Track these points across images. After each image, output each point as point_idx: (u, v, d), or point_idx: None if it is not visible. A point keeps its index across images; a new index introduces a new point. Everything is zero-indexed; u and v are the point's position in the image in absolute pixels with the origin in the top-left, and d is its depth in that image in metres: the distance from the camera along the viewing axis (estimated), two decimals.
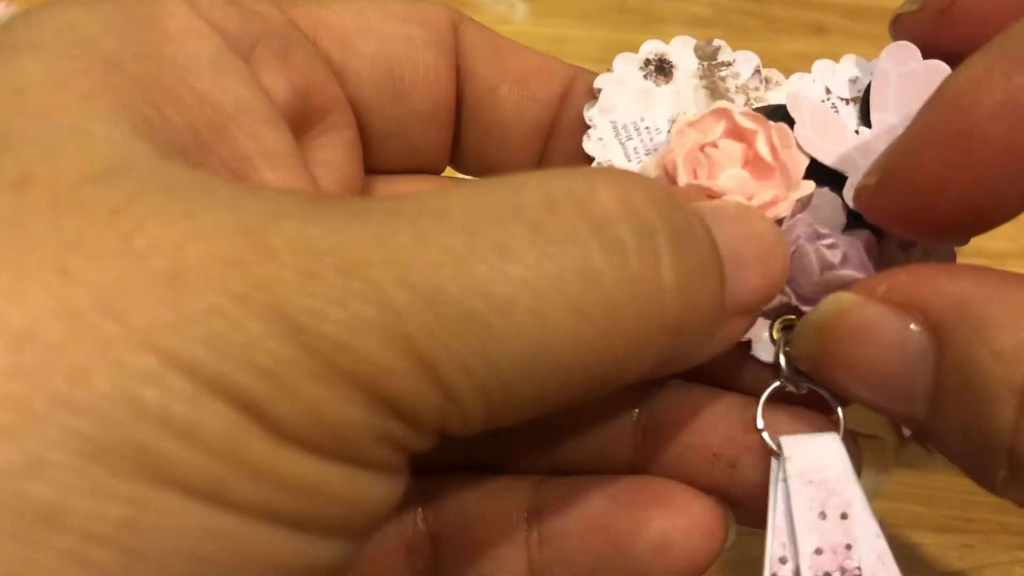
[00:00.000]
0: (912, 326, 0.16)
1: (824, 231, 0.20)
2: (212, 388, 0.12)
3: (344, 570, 0.14)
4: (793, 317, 0.20)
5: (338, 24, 0.20)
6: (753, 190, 0.20)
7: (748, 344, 0.20)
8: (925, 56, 0.21)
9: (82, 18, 0.16)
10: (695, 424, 0.19)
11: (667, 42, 0.23)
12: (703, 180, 0.20)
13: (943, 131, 0.16)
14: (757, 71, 0.22)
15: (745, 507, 0.19)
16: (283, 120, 0.18)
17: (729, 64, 0.22)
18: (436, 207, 0.14)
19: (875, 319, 0.17)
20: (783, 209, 0.20)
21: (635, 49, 0.22)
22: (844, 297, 0.17)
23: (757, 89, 0.22)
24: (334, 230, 0.13)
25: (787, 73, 0.23)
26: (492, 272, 0.13)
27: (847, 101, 0.22)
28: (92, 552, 0.11)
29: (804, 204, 0.20)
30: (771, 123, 0.21)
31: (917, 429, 0.17)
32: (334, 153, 0.20)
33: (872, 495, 0.27)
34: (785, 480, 0.18)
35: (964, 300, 0.15)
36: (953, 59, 0.19)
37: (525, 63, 0.21)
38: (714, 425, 0.19)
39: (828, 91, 0.22)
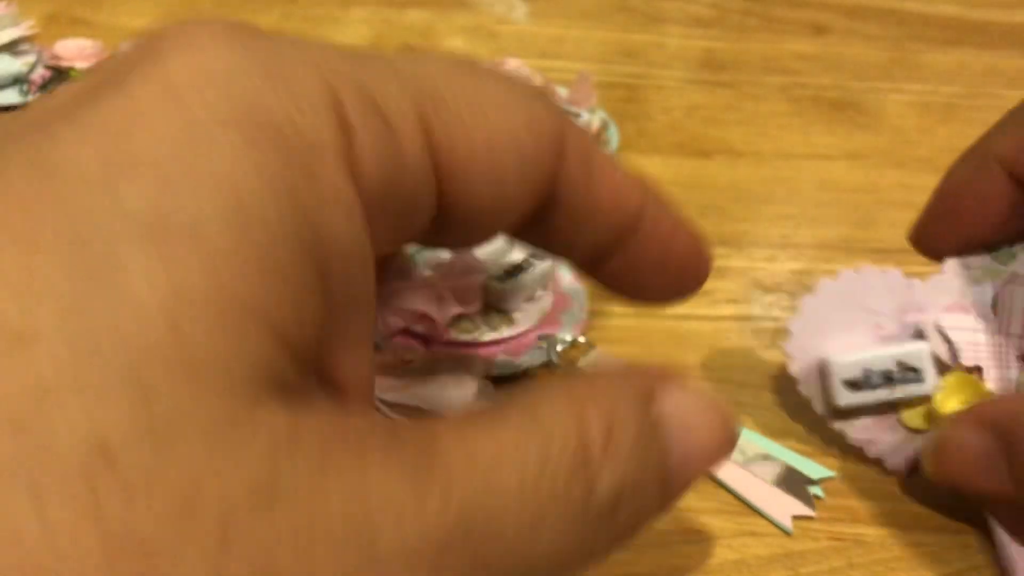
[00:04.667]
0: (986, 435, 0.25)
1: None
2: None
3: None
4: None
5: (466, 151, 0.17)
6: None
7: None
8: None
9: (245, 177, 0.14)
10: None
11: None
12: None
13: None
14: None
15: None
16: (374, 306, 0.17)
17: None
18: (477, 476, 0.15)
19: (963, 435, 0.25)
20: None
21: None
22: (944, 425, 0.26)
23: None
24: (429, 521, 0.14)
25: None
26: (532, 533, 0.15)
27: None
28: None
29: None
30: None
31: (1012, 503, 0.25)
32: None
33: None
34: None
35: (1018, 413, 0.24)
36: None
37: (612, 184, 0.20)
38: None
39: None
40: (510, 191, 0.18)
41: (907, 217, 0.41)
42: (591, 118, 0.41)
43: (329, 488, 0.13)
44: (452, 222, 0.19)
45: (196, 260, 0.13)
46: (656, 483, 0.17)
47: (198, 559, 0.12)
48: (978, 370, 0.28)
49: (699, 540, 0.27)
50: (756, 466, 0.29)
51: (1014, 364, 0.28)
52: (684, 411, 0.18)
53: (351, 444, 0.14)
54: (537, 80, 0.42)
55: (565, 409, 0.16)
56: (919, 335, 0.28)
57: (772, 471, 0.29)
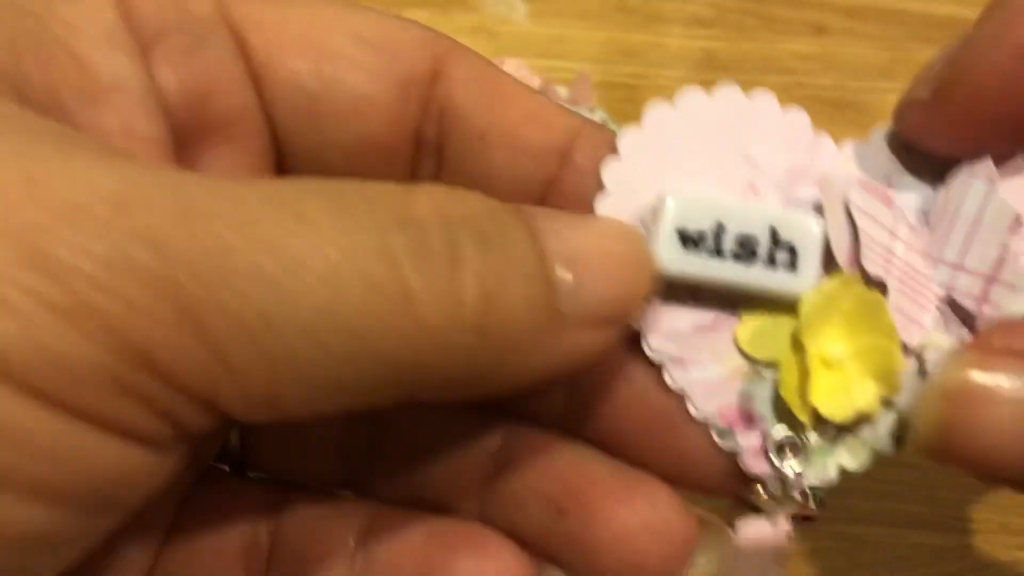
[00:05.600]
0: None
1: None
2: None
3: (75, 547, 0.14)
4: (786, 438, 0.18)
5: (276, 27, 0.18)
6: None
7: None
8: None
9: None
10: (539, 467, 0.18)
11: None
12: None
13: (1010, 38, 0.16)
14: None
15: (567, 560, 0.18)
16: (162, 112, 0.17)
17: None
18: (248, 180, 0.14)
19: (999, 376, 0.16)
20: None
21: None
22: (964, 357, 0.17)
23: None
24: (121, 174, 0.12)
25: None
26: (284, 233, 0.13)
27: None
28: None
29: None
30: None
31: None
32: (234, 165, 0.18)
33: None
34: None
35: None
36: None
37: (522, 109, 0.18)
38: (557, 471, 0.18)
39: None
40: (350, 78, 0.18)
41: None
42: (591, 118, 0.41)
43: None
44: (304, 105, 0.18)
45: None
46: (529, 261, 0.15)
47: None
48: (881, 287, 0.18)
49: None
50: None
51: (931, 306, 0.18)
52: (568, 217, 0.16)
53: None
54: (536, 80, 0.42)
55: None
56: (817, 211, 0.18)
57: None
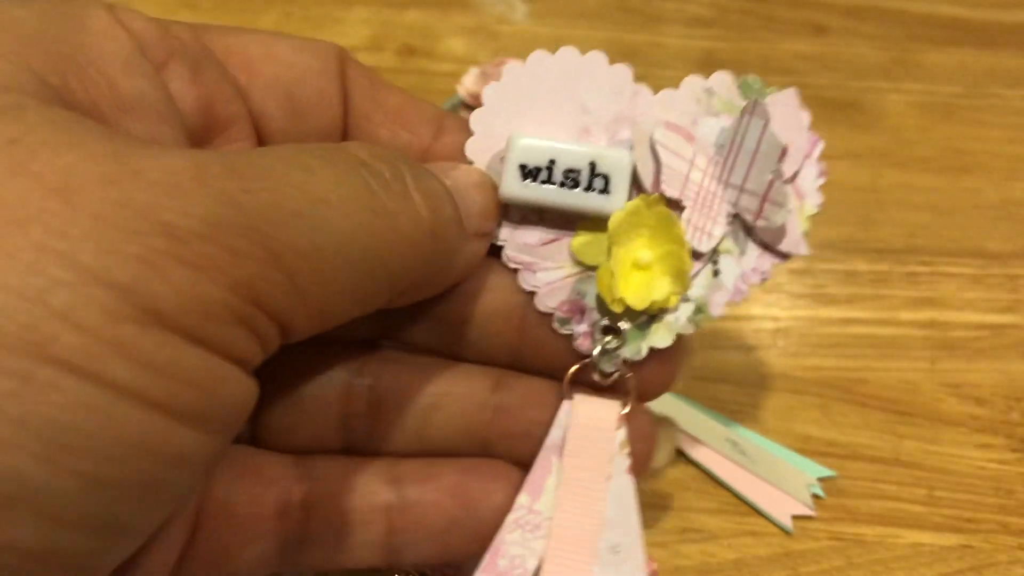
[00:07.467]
0: None
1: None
2: (94, 277, 0.14)
3: (201, 468, 0.17)
4: (609, 324, 0.23)
5: (243, 51, 0.22)
6: None
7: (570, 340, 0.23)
8: None
9: (8, 8, 0.18)
10: (536, 405, 0.23)
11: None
12: None
13: None
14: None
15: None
16: (180, 121, 0.20)
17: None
18: (254, 150, 0.18)
19: None
20: None
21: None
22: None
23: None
24: (186, 155, 0.16)
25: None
26: (306, 179, 0.17)
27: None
28: None
29: None
30: None
31: None
32: None
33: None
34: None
35: None
36: None
37: (398, 100, 0.23)
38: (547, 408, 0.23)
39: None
40: (310, 78, 0.22)
41: (907, 217, 0.41)
42: None
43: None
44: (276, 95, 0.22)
45: None
46: (442, 188, 0.20)
47: None
48: (678, 207, 0.23)
49: (699, 540, 0.27)
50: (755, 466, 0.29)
51: (722, 220, 0.23)
52: (442, 164, 0.22)
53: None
54: None
55: None
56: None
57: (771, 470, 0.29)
